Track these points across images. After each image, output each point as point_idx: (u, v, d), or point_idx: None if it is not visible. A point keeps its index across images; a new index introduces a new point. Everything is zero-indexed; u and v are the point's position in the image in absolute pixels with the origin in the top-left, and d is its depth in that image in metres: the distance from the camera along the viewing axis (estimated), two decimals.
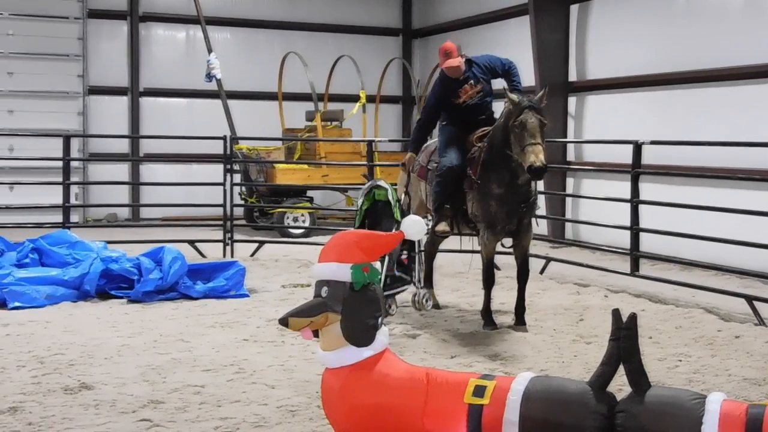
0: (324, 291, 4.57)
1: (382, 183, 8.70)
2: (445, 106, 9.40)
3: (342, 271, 4.55)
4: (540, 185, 12.46)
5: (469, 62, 9.36)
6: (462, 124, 9.39)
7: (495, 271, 9.47)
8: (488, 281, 9.19)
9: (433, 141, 10.06)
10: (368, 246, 4.64)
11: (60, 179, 13.87)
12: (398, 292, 8.75)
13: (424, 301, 8.69)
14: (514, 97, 8.45)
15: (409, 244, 8.77)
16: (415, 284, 8.77)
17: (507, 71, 9.43)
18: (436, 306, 9.91)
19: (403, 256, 8.79)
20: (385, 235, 4.86)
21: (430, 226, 9.19)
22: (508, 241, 9.48)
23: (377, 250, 4.72)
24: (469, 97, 9.26)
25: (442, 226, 9.36)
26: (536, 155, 8.11)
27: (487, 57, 9.55)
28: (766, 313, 9.42)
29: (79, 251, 10.69)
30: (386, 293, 8.13)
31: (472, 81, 9.28)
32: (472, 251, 10.27)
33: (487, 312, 9.18)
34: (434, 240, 10.04)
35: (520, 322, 9.10)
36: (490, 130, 9.06)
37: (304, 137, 17.75)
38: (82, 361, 7.60)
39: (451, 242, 10.49)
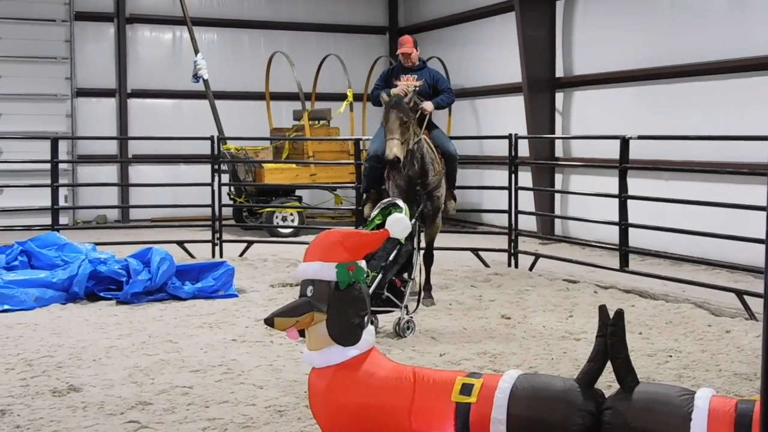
0: (309, 290, 4.57)
1: (400, 202, 8.65)
2: (386, 84, 10.49)
3: (327, 271, 4.54)
4: (528, 181, 12.47)
5: (424, 63, 10.83)
6: None
7: (484, 267, 9.48)
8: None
9: None
10: (352, 245, 4.63)
11: (48, 182, 13.81)
12: (383, 312, 8.71)
13: (405, 328, 8.64)
14: (385, 97, 9.56)
15: (406, 259, 8.74)
16: (402, 310, 8.70)
17: (441, 89, 10.63)
18: (431, 303, 10.04)
19: (398, 279, 8.72)
20: (369, 233, 4.84)
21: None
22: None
23: (362, 248, 4.71)
24: (406, 86, 10.16)
25: (367, 210, 10.38)
26: (390, 149, 9.25)
27: (439, 73, 11.05)
28: (756, 307, 9.41)
29: (67, 253, 10.63)
30: (372, 310, 8.06)
31: (416, 76, 10.45)
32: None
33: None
34: None
35: (428, 295, 10.08)
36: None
37: (292, 136, 17.71)
38: (70, 363, 7.58)
39: (443, 240, 10.47)
